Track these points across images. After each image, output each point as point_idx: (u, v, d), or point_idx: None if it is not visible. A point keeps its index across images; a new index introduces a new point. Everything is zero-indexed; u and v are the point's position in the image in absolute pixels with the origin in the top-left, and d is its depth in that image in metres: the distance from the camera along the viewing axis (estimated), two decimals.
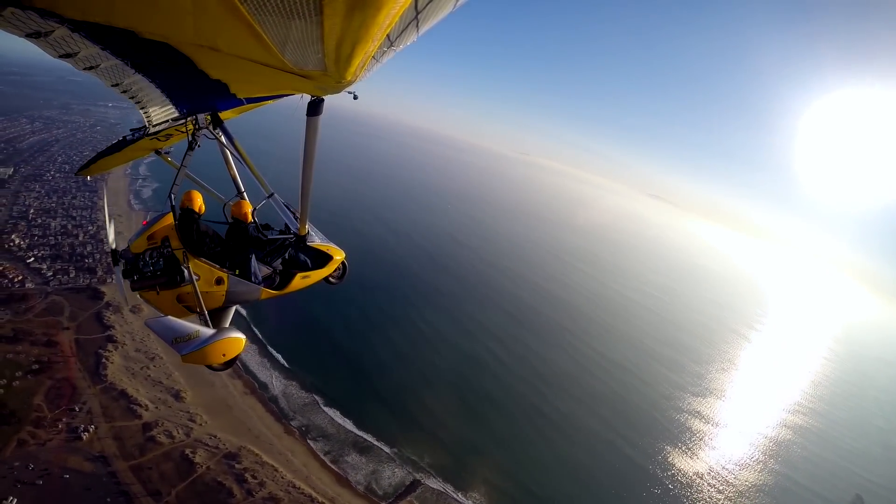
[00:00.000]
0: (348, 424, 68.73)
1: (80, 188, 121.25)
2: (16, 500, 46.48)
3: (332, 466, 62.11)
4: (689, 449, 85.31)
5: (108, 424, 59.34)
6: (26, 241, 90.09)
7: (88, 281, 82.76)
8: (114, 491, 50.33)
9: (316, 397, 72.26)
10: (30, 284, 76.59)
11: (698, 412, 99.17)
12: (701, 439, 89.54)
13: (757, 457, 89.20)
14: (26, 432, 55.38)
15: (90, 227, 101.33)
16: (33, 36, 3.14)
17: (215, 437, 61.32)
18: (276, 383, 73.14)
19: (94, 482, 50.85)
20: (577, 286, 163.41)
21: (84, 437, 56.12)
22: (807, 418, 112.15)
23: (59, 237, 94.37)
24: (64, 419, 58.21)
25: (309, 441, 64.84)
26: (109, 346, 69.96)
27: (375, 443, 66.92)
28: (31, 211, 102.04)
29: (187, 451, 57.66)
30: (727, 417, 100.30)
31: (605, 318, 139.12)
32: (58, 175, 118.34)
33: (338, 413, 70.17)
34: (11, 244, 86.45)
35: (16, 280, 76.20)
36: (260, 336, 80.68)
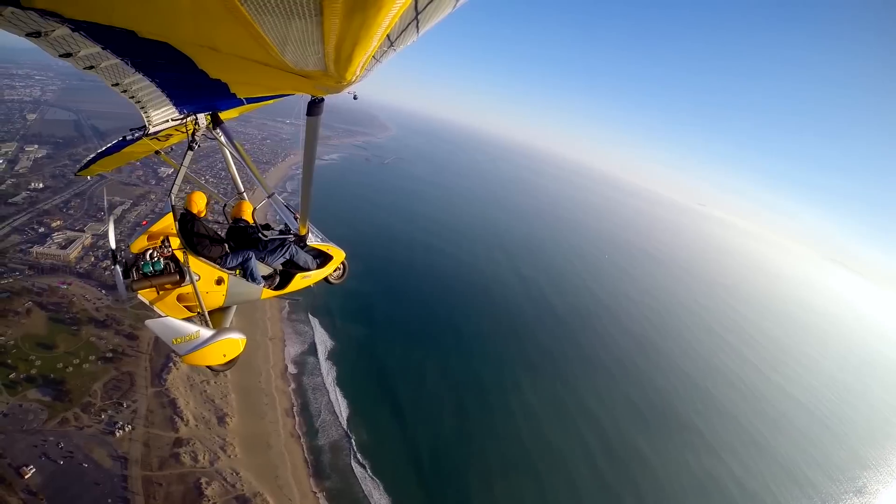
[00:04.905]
0: (383, 502, 56.92)
1: (228, 194, 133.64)
2: (34, 471, 46.79)
3: None
4: None
5: (145, 429, 57.22)
6: None
7: None
8: (117, 495, 46.62)
9: (362, 461, 61.99)
10: None
11: None
12: None
13: None
14: (72, 413, 55.87)
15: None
16: (33, 35, 3.00)
17: (237, 474, 54.71)
18: (328, 433, 65.06)
19: (106, 480, 48.17)
20: (729, 373, 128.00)
21: (117, 434, 55.15)
22: None
23: None
24: (109, 411, 58.10)
25: None
26: None
27: None
28: None
29: (203, 479, 52.20)
30: None
31: (751, 419, 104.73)
32: (212, 180, 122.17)
33: (379, 486, 58.91)
34: None
35: None
36: (334, 376, 75.07)
